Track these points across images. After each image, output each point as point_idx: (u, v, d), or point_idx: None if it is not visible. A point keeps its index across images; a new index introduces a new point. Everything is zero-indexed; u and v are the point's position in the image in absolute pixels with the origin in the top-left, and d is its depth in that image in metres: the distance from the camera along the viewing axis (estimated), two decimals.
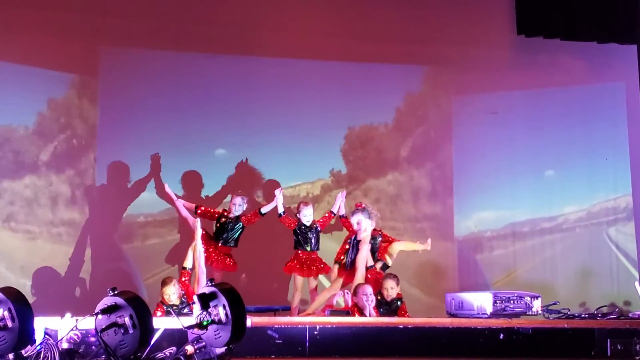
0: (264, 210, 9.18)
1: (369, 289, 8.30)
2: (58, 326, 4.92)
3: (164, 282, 8.43)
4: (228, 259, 9.08)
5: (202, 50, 10.55)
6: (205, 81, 10.58)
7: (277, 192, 9.12)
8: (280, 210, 9.06)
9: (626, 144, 11.23)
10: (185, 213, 9.25)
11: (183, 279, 8.56)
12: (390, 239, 9.32)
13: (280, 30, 10.55)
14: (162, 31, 10.36)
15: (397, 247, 9.24)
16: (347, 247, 8.96)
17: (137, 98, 10.39)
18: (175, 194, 9.46)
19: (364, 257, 8.87)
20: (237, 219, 9.11)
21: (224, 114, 10.63)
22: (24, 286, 9.39)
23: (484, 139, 11.21)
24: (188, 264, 8.65)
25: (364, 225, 8.94)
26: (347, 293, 8.47)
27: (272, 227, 9.71)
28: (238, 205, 9.14)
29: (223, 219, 9.10)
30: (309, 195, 10.70)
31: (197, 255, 8.64)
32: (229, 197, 9.57)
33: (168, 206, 9.95)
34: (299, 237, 9.04)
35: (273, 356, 6.19)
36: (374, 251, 9.07)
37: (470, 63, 11.06)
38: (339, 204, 9.29)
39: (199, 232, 8.75)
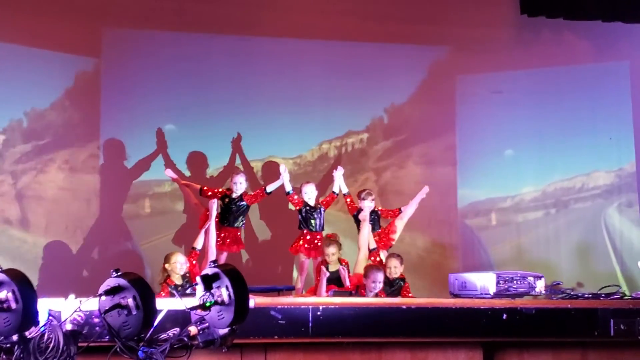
0: (269, 189, 9.08)
1: (380, 277, 8.21)
2: (62, 307, 4.92)
3: (170, 254, 8.30)
4: (237, 240, 9.04)
5: (206, 30, 10.53)
6: (209, 60, 10.56)
7: (282, 169, 9.06)
8: (288, 188, 8.99)
9: (630, 123, 11.21)
10: (189, 195, 9.28)
11: (192, 260, 8.50)
12: (390, 215, 9.31)
13: (286, 9, 10.53)
14: (164, 11, 10.34)
15: (399, 224, 9.23)
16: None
17: (141, 78, 10.40)
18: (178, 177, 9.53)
19: (366, 237, 8.87)
20: (241, 198, 9.00)
21: (225, 93, 10.62)
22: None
23: (487, 119, 11.19)
24: (198, 244, 8.65)
25: (365, 209, 8.94)
26: (344, 269, 8.48)
27: (276, 207, 9.71)
28: (240, 184, 8.97)
29: (227, 199, 8.97)
30: (314, 172, 10.74)
31: (209, 236, 8.63)
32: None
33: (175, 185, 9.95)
34: (304, 217, 9.00)
35: (276, 337, 6.20)
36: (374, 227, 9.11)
37: (474, 42, 11.02)
38: (338, 183, 9.25)
39: (214, 214, 8.73)
